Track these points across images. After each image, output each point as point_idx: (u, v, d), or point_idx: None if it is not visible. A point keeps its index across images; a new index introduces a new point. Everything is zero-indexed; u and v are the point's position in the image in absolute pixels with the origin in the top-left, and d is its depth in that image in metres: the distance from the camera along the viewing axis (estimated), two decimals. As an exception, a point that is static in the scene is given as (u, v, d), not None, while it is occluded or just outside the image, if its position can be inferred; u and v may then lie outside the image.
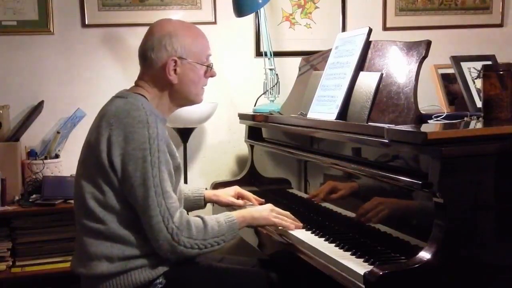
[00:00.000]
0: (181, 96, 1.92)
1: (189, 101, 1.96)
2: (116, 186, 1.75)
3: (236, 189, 2.31)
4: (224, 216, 1.87)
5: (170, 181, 1.79)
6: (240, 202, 2.26)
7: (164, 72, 1.86)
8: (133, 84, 1.94)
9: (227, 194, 2.28)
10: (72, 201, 2.58)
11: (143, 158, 1.72)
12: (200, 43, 1.92)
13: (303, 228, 2.00)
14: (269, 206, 2.03)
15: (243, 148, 2.97)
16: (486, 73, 1.75)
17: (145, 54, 1.88)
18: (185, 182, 2.69)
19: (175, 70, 1.86)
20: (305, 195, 2.28)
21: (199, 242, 1.77)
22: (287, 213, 2.03)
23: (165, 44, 1.85)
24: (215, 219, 1.84)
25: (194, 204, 2.22)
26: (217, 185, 2.62)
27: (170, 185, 1.78)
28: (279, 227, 1.99)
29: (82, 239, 1.80)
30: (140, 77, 1.92)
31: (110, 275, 1.77)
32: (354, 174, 1.90)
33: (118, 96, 1.86)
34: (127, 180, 1.73)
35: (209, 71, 1.95)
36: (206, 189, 2.32)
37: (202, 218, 1.82)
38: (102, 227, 1.76)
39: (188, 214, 1.83)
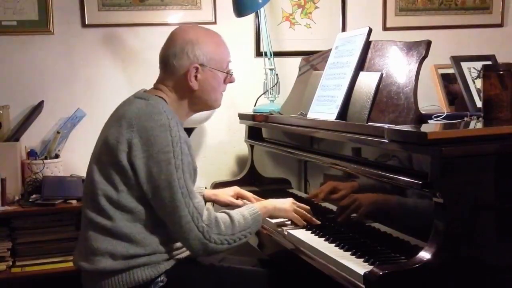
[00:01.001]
0: (200, 102, 1.94)
1: (208, 107, 1.99)
2: (132, 186, 1.76)
3: (235, 189, 2.32)
4: (248, 209, 1.91)
5: (192, 182, 1.81)
6: (239, 202, 2.27)
7: (185, 78, 1.88)
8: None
9: (227, 194, 2.29)
10: (72, 201, 2.61)
11: (168, 161, 1.74)
12: (221, 50, 1.95)
13: (303, 228, 2.00)
14: (291, 199, 2.08)
15: (243, 148, 2.97)
16: (486, 73, 1.75)
17: (166, 61, 1.90)
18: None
19: (196, 76, 1.88)
20: (305, 195, 2.28)
21: (228, 238, 1.80)
22: (307, 207, 2.07)
23: (187, 52, 1.87)
24: (239, 213, 1.88)
25: None
26: (217, 185, 2.62)
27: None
28: (280, 222, 2.02)
29: (88, 233, 1.81)
30: (160, 81, 1.93)
31: (112, 272, 1.77)
32: (354, 174, 1.90)
33: (138, 97, 1.87)
34: (151, 183, 1.75)
35: (228, 78, 1.98)
36: (205, 188, 2.32)
37: (228, 214, 1.85)
38: (110, 224, 1.77)
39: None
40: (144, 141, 1.75)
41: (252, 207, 1.94)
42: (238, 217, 1.85)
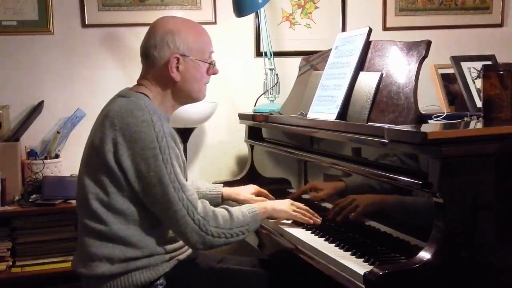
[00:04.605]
0: (184, 94, 1.91)
1: (192, 99, 1.95)
2: (122, 187, 1.75)
3: (255, 187, 2.30)
4: (247, 207, 1.91)
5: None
6: (260, 199, 2.24)
7: (166, 69, 1.85)
8: (135, 83, 1.93)
9: (248, 192, 2.26)
10: (72, 201, 2.61)
11: (155, 157, 1.72)
12: (202, 40, 1.91)
13: (303, 228, 2.00)
14: (289, 200, 2.07)
15: (243, 148, 2.97)
16: (486, 73, 1.75)
17: (147, 52, 1.88)
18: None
19: (177, 67, 1.85)
20: (305, 195, 2.28)
21: (226, 231, 1.79)
22: (306, 207, 2.05)
23: (167, 42, 1.84)
24: (238, 209, 1.87)
25: (211, 202, 2.21)
26: (217, 185, 2.62)
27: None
28: (282, 223, 2.01)
29: (83, 239, 1.80)
30: (143, 76, 1.91)
31: (111, 276, 1.77)
32: (354, 174, 1.90)
33: (121, 95, 1.85)
34: (142, 180, 1.73)
35: (211, 69, 1.94)
36: (223, 186, 2.30)
37: (226, 209, 1.85)
38: (104, 228, 1.76)
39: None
40: (128, 138, 1.72)
41: (251, 206, 1.93)
42: (237, 213, 1.84)
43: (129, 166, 1.72)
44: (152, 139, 1.72)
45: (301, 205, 2.06)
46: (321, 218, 2.03)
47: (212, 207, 1.81)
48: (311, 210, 2.05)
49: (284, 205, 2.03)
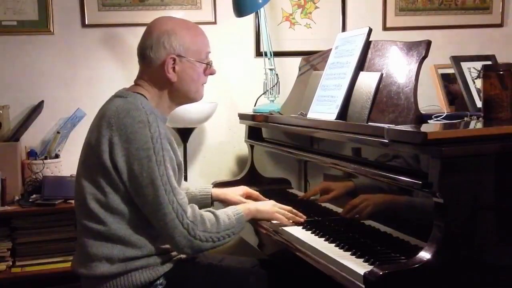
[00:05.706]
0: (181, 94, 1.91)
1: (189, 99, 1.96)
2: (118, 187, 1.75)
3: (244, 188, 2.30)
4: (232, 210, 1.91)
5: (175, 178, 1.79)
6: (248, 201, 2.24)
7: (163, 70, 1.85)
8: (133, 83, 1.93)
9: (236, 193, 2.26)
10: (72, 201, 2.60)
11: (148, 158, 1.72)
12: (199, 40, 1.91)
13: (303, 228, 2.00)
14: (272, 201, 2.09)
15: (243, 148, 2.97)
16: (486, 73, 1.75)
17: (144, 53, 1.88)
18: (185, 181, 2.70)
19: (174, 68, 1.85)
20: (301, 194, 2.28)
21: (213, 235, 1.80)
22: (289, 208, 2.06)
23: (163, 42, 1.84)
24: (224, 213, 1.88)
25: (201, 203, 2.21)
26: (217, 185, 2.61)
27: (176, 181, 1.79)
28: (279, 223, 2.02)
29: (82, 240, 1.80)
30: (140, 76, 1.91)
31: (110, 276, 1.77)
32: (354, 174, 1.90)
33: (118, 95, 1.85)
34: (134, 180, 1.73)
35: (208, 69, 1.94)
36: (213, 187, 2.30)
37: (213, 212, 1.85)
38: (103, 228, 1.76)
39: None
40: (124, 138, 1.72)
41: (236, 208, 1.94)
42: (223, 216, 1.85)
43: (123, 166, 1.73)
44: (147, 140, 1.72)
45: (284, 206, 2.07)
46: (304, 217, 2.05)
47: (200, 211, 1.81)
48: (294, 210, 2.06)
49: (267, 206, 2.04)
